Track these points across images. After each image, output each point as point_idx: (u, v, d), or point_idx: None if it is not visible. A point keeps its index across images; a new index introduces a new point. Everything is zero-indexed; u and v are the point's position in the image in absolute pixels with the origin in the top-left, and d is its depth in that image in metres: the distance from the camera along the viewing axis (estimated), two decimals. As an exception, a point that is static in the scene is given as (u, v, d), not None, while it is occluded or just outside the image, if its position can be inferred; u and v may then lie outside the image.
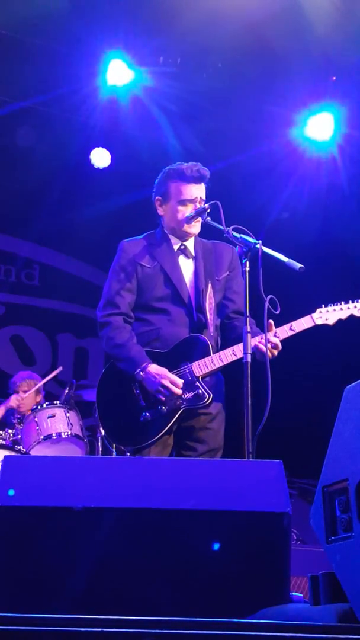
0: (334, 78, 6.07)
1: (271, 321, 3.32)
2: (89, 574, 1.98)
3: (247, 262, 3.28)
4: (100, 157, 6.83)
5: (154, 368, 3.39)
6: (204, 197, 3.59)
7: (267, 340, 3.27)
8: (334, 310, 3.44)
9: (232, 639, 1.36)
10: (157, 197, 3.65)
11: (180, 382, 3.37)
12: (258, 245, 3.28)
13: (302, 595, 2.31)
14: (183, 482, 2.12)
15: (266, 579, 2.01)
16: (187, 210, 3.56)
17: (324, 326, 3.46)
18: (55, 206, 7.07)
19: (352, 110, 6.35)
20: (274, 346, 3.33)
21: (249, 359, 3.19)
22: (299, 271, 3.28)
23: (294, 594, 2.15)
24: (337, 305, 3.46)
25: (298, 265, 3.29)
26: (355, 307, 3.46)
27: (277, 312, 3.25)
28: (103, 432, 3.93)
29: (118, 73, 6.07)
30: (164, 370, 3.38)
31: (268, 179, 6.83)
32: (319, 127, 6.50)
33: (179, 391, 3.36)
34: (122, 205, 6.80)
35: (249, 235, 3.34)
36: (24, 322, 7.56)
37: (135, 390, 3.42)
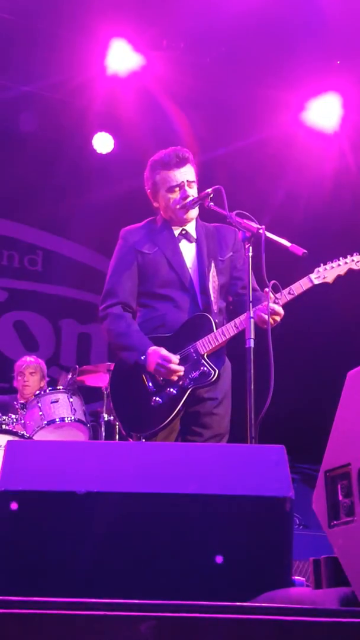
0: (339, 62, 6.03)
1: (267, 289, 3.27)
2: (91, 557, 1.99)
3: (250, 248, 3.27)
4: (104, 142, 6.80)
5: (151, 350, 3.39)
6: (191, 178, 3.57)
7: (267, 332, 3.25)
8: (332, 267, 3.39)
9: (234, 622, 1.36)
10: (148, 191, 3.66)
11: (174, 358, 3.37)
12: (261, 231, 3.27)
13: (304, 579, 2.31)
14: (185, 467, 2.12)
15: (268, 563, 2.02)
16: (176, 197, 3.54)
17: (323, 285, 3.40)
18: (58, 191, 7.05)
19: (357, 94, 6.31)
20: (275, 312, 3.30)
21: (252, 345, 3.18)
22: (302, 256, 3.27)
23: (296, 578, 2.16)
24: (334, 262, 3.40)
25: (301, 250, 3.28)
26: (352, 260, 3.40)
27: (280, 296, 3.24)
28: (118, 424, 3.96)
29: (121, 57, 6.04)
30: (157, 349, 3.38)
31: (272, 164, 6.79)
32: (324, 111, 6.46)
33: (176, 367, 3.35)
34: (125, 190, 6.78)
35: (252, 221, 3.33)
36: (27, 308, 7.56)
37: (145, 377, 3.43)
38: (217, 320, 3.45)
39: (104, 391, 5.40)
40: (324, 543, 1.92)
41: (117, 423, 3.73)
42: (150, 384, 3.42)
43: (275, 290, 3.22)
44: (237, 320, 3.36)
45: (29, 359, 5.84)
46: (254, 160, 6.73)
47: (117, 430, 5.11)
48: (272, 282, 3.18)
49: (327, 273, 3.38)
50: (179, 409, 3.38)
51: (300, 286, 3.36)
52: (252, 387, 3.09)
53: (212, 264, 3.53)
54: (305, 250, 3.27)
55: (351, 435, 1.76)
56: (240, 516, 2.03)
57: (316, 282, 3.37)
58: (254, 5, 5.45)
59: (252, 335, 3.19)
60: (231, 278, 3.62)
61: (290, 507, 2.03)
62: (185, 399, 3.38)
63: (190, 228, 3.65)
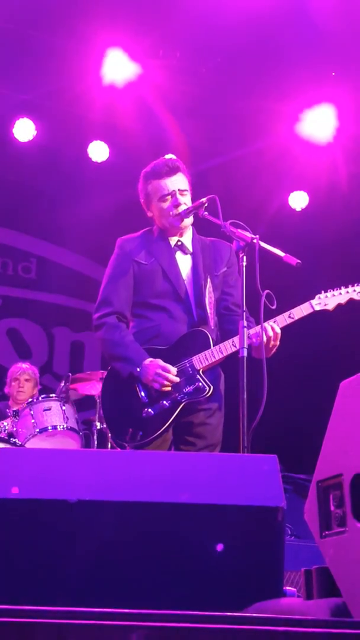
0: (334, 74, 6.06)
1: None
2: (82, 566, 1.98)
3: (245, 257, 3.28)
4: (99, 151, 6.82)
5: (147, 361, 3.39)
6: (183, 187, 3.58)
7: (265, 333, 3.26)
8: (333, 295, 3.42)
9: (225, 632, 1.36)
10: (142, 201, 3.67)
11: (173, 369, 3.37)
12: (255, 240, 3.28)
13: (295, 590, 2.31)
14: (178, 476, 2.12)
15: (260, 573, 2.02)
16: (168, 204, 3.55)
17: (323, 312, 3.43)
18: (53, 199, 7.06)
19: (352, 105, 6.34)
20: (274, 337, 3.31)
21: (245, 354, 3.19)
22: (296, 266, 3.28)
23: (287, 588, 2.15)
24: (336, 290, 3.43)
25: (295, 260, 3.29)
26: (354, 290, 3.43)
27: (274, 307, 3.25)
28: (109, 434, 3.95)
29: (117, 66, 6.06)
30: (155, 361, 3.39)
31: (267, 174, 6.82)
32: (319, 122, 6.48)
33: (174, 378, 3.36)
34: (120, 198, 6.79)
35: (246, 230, 3.34)
36: (20, 315, 7.55)
37: (138, 388, 3.43)
38: (213, 337, 3.46)
39: (96, 399, 5.39)
40: (315, 554, 1.92)
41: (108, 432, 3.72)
42: (143, 395, 3.42)
43: (269, 300, 3.22)
44: (235, 338, 3.37)
45: (24, 365, 5.84)
46: (248, 170, 6.76)
47: (110, 438, 5.10)
48: (266, 291, 3.19)
49: (328, 300, 3.41)
50: (170, 422, 3.38)
51: (301, 311, 3.39)
52: (245, 397, 3.10)
53: (209, 280, 3.55)
54: (299, 261, 3.29)
55: (344, 445, 1.76)
56: (232, 526, 2.03)
57: (317, 308, 3.40)
58: (249, 15, 5.48)
59: (245, 345, 3.20)
60: (222, 293, 3.62)
61: (282, 517, 2.03)
62: (178, 412, 3.38)
63: (187, 240, 3.65)
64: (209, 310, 3.50)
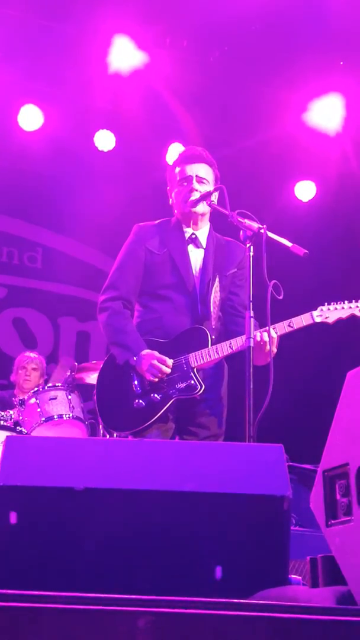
0: (342, 63, 6.03)
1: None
2: (89, 553, 1.99)
3: (252, 247, 3.27)
4: (105, 140, 6.80)
5: (144, 352, 3.40)
6: (203, 175, 3.58)
7: (260, 336, 3.25)
8: (335, 309, 3.40)
9: (230, 619, 1.37)
10: (168, 187, 3.71)
11: (169, 361, 3.38)
12: (262, 230, 3.27)
13: (300, 578, 2.32)
14: (184, 465, 2.12)
15: (265, 561, 2.02)
16: (185, 189, 3.56)
17: (323, 324, 3.43)
18: (59, 189, 7.04)
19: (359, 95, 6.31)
20: (270, 341, 3.29)
21: (252, 344, 3.19)
22: (304, 257, 3.27)
23: (292, 576, 2.16)
24: (338, 304, 3.41)
25: (303, 250, 3.28)
26: (357, 307, 3.41)
27: (280, 297, 3.24)
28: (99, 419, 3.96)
29: (124, 55, 6.03)
30: (152, 352, 3.39)
31: (275, 165, 6.79)
32: (328, 112, 6.45)
33: (167, 370, 3.36)
34: (126, 188, 6.78)
35: (253, 220, 3.33)
36: (26, 305, 7.55)
37: (132, 377, 3.43)
38: (213, 337, 3.46)
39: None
40: (320, 543, 1.93)
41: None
42: (137, 386, 3.43)
43: (276, 290, 3.22)
44: (232, 341, 3.37)
45: (32, 354, 5.86)
46: (256, 160, 6.73)
47: (105, 428, 5.11)
48: (273, 282, 3.18)
49: (329, 313, 3.39)
50: (159, 415, 3.38)
51: (301, 321, 3.37)
52: (251, 386, 3.10)
53: (217, 279, 3.54)
54: (306, 251, 3.28)
55: (350, 435, 1.77)
56: (238, 514, 2.04)
57: (317, 320, 3.38)
58: (257, 4, 5.45)
59: (252, 335, 3.19)
60: (229, 293, 3.62)
61: (287, 506, 2.04)
62: (167, 407, 3.38)
63: (201, 234, 3.64)
64: (212, 308, 3.50)
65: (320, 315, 3.39)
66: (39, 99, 6.49)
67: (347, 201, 6.76)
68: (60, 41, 5.90)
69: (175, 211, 3.68)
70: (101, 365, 3.66)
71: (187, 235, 3.62)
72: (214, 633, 1.32)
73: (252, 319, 3.22)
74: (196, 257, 3.61)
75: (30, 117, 6.56)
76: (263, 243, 3.23)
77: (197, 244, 3.63)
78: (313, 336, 6.46)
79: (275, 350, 3.32)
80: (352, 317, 3.43)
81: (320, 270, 6.02)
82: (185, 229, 3.63)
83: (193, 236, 3.63)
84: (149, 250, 3.57)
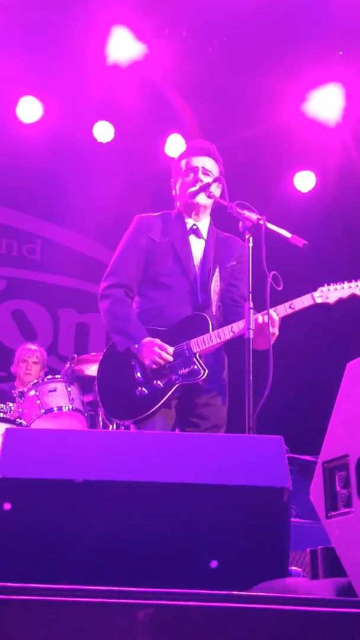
0: (341, 53, 6.00)
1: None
2: (89, 546, 1.99)
3: (251, 238, 3.27)
4: (104, 131, 6.77)
5: (146, 340, 3.40)
6: (208, 167, 3.60)
7: (269, 323, 3.25)
8: (336, 289, 3.41)
9: (231, 611, 1.37)
10: (172, 179, 3.73)
11: (170, 348, 3.38)
12: (261, 221, 3.27)
13: (300, 570, 2.32)
14: (183, 456, 2.12)
15: (266, 553, 2.02)
16: (189, 180, 3.57)
17: (324, 305, 3.43)
18: (58, 180, 7.03)
19: (359, 85, 6.28)
20: (272, 323, 3.30)
21: (251, 335, 3.19)
22: (303, 247, 3.27)
23: (292, 568, 2.16)
24: (338, 284, 3.42)
25: (302, 241, 3.28)
26: (357, 286, 3.42)
27: (280, 288, 3.24)
28: (100, 409, 3.94)
29: (122, 46, 6.00)
30: (153, 340, 3.40)
31: (274, 155, 6.77)
32: (327, 102, 6.42)
33: (168, 357, 3.36)
34: (125, 179, 6.76)
35: (252, 211, 3.33)
36: (25, 297, 7.54)
37: (134, 365, 3.43)
38: (214, 322, 3.46)
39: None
40: (321, 534, 1.93)
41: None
42: (139, 374, 3.42)
43: (276, 281, 3.21)
44: (234, 325, 3.37)
45: (33, 347, 5.84)
46: (255, 151, 6.71)
47: (110, 417, 5.10)
48: (272, 272, 3.18)
49: (330, 294, 3.39)
50: (163, 402, 3.38)
51: (302, 302, 3.38)
52: (251, 378, 3.10)
53: (217, 269, 3.56)
54: (305, 242, 3.28)
55: (350, 426, 1.77)
56: (238, 506, 2.04)
57: (318, 300, 3.39)
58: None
59: (251, 326, 3.19)
60: (228, 284, 3.63)
61: (287, 498, 2.03)
62: (171, 393, 3.38)
63: (202, 226, 3.67)
64: (213, 296, 3.51)
65: (321, 296, 3.39)
66: (38, 91, 6.47)
67: (347, 192, 6.74)
68: (58, 32, 5.87)
69: (178, 203, 3.70)
70: (102, 354, 3.66)
71: (188, 226, 3.65)
72: (213, 625, 1.32)
73: (251, 310, 3.21)
74: (197, 246, 3.63)
75: (29, 109, 6.54)
76: (262, 234, 3.23)
77: (199, 235, 3.65)
78: (313, 327, 6.47)
79: (277, 332, 3.32)
80: (353, 298, 3.42)
81: (319, 260, 6.01)
82: (187, 220, 3.65)
83: (194, 227, 3.65)
84: (151, 239, 3.59)
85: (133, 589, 1.35)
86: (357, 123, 6.56)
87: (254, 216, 3.30)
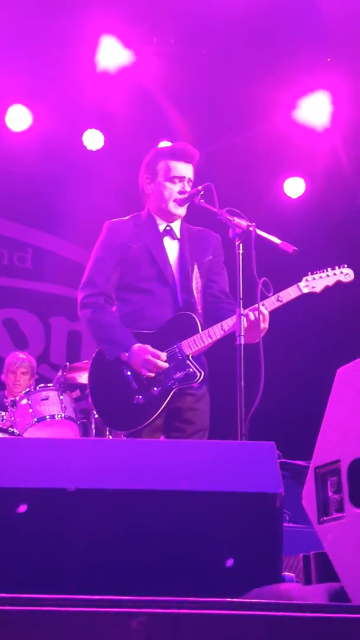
0: (329, 59, 6.04)
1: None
2: (82, 554, 1.99)
3: (241, 245, 3.28)
4: (94, 139, 6.79)
5: (136, 347, 3.37)
6: (192, 179, 3.58)
7: (247, 318, 3.25)
8: (321, 277, 3.41)
9: (224, 618, 1.37)
10: (145, 176, 3.64)
11: (162, 354, 3.36)
12: (251, 228, 3.28)
13: (293, 575, 2.32)
14: (176, 464, 2.12)
15: (259, 559, 2.03)
16: (175, 189, 3.55)
17: (311, 294, 3.43)
18: (48, 188, 7.03)
19: (347, 91, 6.31)
20: (263, 319, 3.30)
21: (242, 341, 3.19)
22: (293, 254, 3.28)
23: (286, 573, 2.16)
24: (323, 272, 3.42)
25: (292, 247, 3.29)
26: (341, 272, 3.43)
27: (271, 294, 3.25)
28: (97, 415, 3.90)
29: (111, 54, 6.02)
30: (144, 346, 3.37)
31: (263, 162, 6.80)
32: (315, 109, 6.45)
33: (163, 364, 3.34)
34: (115, 187, 6.77)
35: (242, 218, 3.34)
36: (16, 305, 7.53)
37: (127, 373, 3.41)
38: (201, 321, 3.45)
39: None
40: (314, 539, 1.93)
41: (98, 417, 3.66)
42: (133, 382, 3.39)
43: (266, 288, 3.22)
44: (223, 323, 3.36)
45: (21, 355, 5.83)
46: (244, 157, 6.73)
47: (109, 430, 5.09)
48: (263, 279, 3.19)
49: (315, 283, 3.39)
50: (162, 408, 3.36)
51: (289, 294, 3.38)
52: (243, 384, 3.10)
53: (195, 266, 3.55)
54: (295, 248, 3.29)
55: (341, 431, 1.77)
56: (231, 512, 2.04)
57: (305, 290, 3.39)
58: (244, 1, 5.45)
59: (242, 332, 3.20)
60: (207, 280, 3.62)
61: (280, 503, 2.04)
62: (170, 399, 3.37)
63: (175, 226, 3.66)
64: (196, 295, 3.50)
65: (307, 286, 3.39)
66: (27, 99, 6.47)
67: (336, 197, 6.77)
68: (47, 41, 5.88)
69: (148, 202, 3.63)
70: (90, 368, 3.60)
71: (161, 228, 3.61)
72: (207, 632, 1.32)
73: (242, 317, 3.22)
74: (172, 248, 3.60)
75: (18, 118, 6.54)
76: (252, 241, 3.24)
77: (173, 236, 3.63)
78: (304, 332, 6.48)
79: (267, 326, 3.31)
80: (338, 284, 3.42)
81: (309, 266, 6.02)
82: (159, 222, 3.61)
83: (168, 228, 3.62)
84: (124, 244, 3.56)
85: (126, 597, 1.35)
86: (345, 128, 6.59)
87: (243, 223, 3.31)
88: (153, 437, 3.40)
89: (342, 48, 5.91)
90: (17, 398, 4.98)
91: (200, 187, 3.50)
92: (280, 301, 3.35)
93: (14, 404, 4.94)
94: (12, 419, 4.88)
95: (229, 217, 3.33)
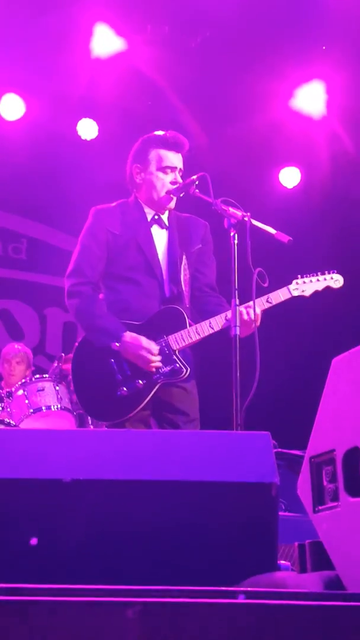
0: (324, 47, 6.01)
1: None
2: (78, 545, 1.99)
3: (236, 235, 3.27)
4: (88, 129, 6.76)
5: (128, 337, 3.34)
6: (182, 169, 3.56)
7: (240, 316, 3.25)
8: (311, 281, 3.43)
9: (219, 607, 1.37)
10: (134, 165, 3.60)
11: (155, 348, 3.34)
12: (246, 218, 3.27)
13: (289, 563, 2.33)
14: (171, 454, 2.13)
15: (254, 548, 2.03)
16: (167, 179, 3.52)
17: (300, 297, 3.45)
18: (42, 178, 7.00)
19: (341, 81, 6.30)
20: (256, 318, 3.30)
21: (238, 332, 3.19)
22: (288, 244, 3.28)
23: (281, 562, 2.18)
24: (313, 276, 3.44)
25: (287, 237, 3.29)
26: (332, 278, 3.46)
27: (266, 285, 3.25)
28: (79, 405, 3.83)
29: (105, 42, 5.99)
30: (139, 339, 3.34)
31: (258, 152, 6.78)
32: (311, 98, 6.43)
33: (156, 359, 3.33)
34: (109, 177, 6.74)
35: (237, 208, 3.33)
36: (11, 296, 7.52)
37: (112, 363, 3.37)
38: (188, 314, 3.44)
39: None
40: (310, 527, 1.94)
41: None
42: (118, 373, 3.36)
43: (261, 278, 3.22)
44: (212, 321, 3.36)
45: (16, 346, 5.82)
46: (239, 147, 6.71)
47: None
48: (258, 269, 3.19)
49: (305, 287, 3.43)
50: (147, 402, 3.34)
51: (279, 296, 3.40)
52: (238, 375, 3.11)
53: (184, 256, 3.52)
54: (290, 238, 3.29)
55: (336, 421, 1.78)
56: (227, 502, 2.05)
57: (295, 293, 3.42)
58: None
59: (238, 323, 3.20)
60: (195, 270, 3.59)
61: (275, 493, 2.04)
62: (154, 393, 3.35)
63: (164, 214, 3.61)
64: (184, 287, 3.47)
65: (297, 289, 3.41)
66: (20, 88, 6.44)
67: (331, 187, 6.76)
68: (41, 30, 5.84)
69: (138, 191, 3.59)
70: (73, 356, 3.54)
71: (149, 217, 3.57)
72: (203, 621, 1.32)
73: (238, 308, 3.22)
74: (161, 237, 3.56)
75: (11, 107, 6.51)
76: (247, 231, 3.23)
77: (162, 225, 3.58)
78: (299, 322, 6.49)
79: (258, 325, 3.32)
80: (327, 289, 3.44)
81: (304, 256, 6.02)
82: (147, 210, 3.57)
83: (156, 217, 3.58)
84: (111, 233, 3.51)
85: (121, 586, 1.35)
86: (340, 118, 6.58)
87: (238, 213, 3.30)
88: (137, 429, 3.38)
89: (337, 37, 5.89)
90: (13, 389, 4.98)
91: (195, 177, 3.47)
92: (270, 303, 3.38)
93: (9, 395, 4.94)
94: (8, 410, 4.88)
95: (223, 207, 3.31)
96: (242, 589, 1.61)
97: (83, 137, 6.76)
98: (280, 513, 2.27)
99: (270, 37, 5.89)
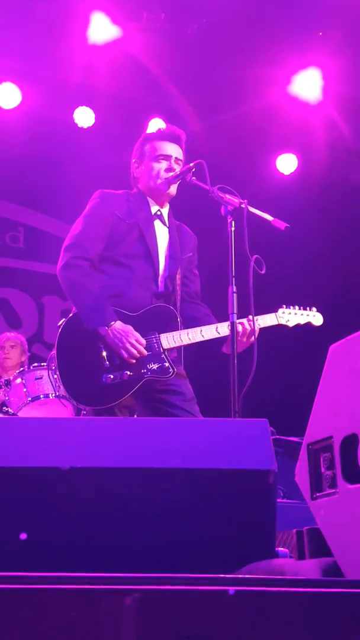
0: (320, 33, 5.98)
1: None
2: (76, 532, 1.99)
3: (233, 222, 3.26)
4: (85, 117, 6.73)
5: (119, 324, 3.31)
6: (180, 158, 3.56)
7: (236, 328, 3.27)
8: (295, 314, 3.61)
9: (218, 594, 1.38)
10: (134, 160, 3.63)
11: (143, 341, 3.33)
12: (243, 205, 3.27)
13: (287, 550, 2.34)
14: (169, 442, 2.13)
15: (252, 535, 2.04)
16: (161, 166, 3.52)
17: (284, 327, 3.61)
18: (39, 167, 6.98)
19: (339, 66, 6.27)
20: (251, 332, 3.33)
21: (235, 319, 3.19)
22: (285, 230, 3.27)
23: (279, 549, 2.18)
24: (298, 309, 3.62)
25: (284, 224, 3.28)
26: (314, 315, 3.67)
27: (263, 272, 3.24)
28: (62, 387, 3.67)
29: (101, 29, 5.96)
30: (128, 328, 3.31)
31: (255, 139, 6.76)
32: (307, 84, 6.41)
33: (144, 351, 3.31)
34: (106, 165, 6.72)
35: (234, 195, 3.32)
36: (9, 285, 7.51)
37: (100, 348, 3.31)
38: (180, 319, 3.45)
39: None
40: (308, 514, 1.95)
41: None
42: (106, 359, 3.31)
43: (259, 265, 3.21)
44: (204, 330, 3.38)
45: (9, 333, 5.86)
46: (236, 134, 6.69)
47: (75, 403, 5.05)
48: (255, 256, 3.18)
49: (289, 317, 3.60)
50: (130, 394, 3.30)
51: (266, 320, 3.51)
52: (235, 361, 3.11)
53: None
54: (287, 224, 3.28)
55: (333, 408, 1.78)
56: (224, 489, 2.05)
57: (280, 321, 3.57)
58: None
59: (235, 310, 3.20)
60: (184, 277, 3.60)
61: (273, 480, 2.05)
62: (139, 387, 3.32)
63: (165, 212, 3.63)
64: (178, 290, 3.50)
65: (282, 317, 3.57)
66: (17, 77, 6.40)
67: (328, 174, 6.74)
68: (37, 18, 5.81)
69: (139, 185, 3.61)
70: (59, 333, 3.39)
71: (153, 211, 3.58)
72: (201, 608, 1.33)
73: (234, 294, 3.22)
74: (162, 233, 3.58)
75: (7, 95, 6.48)
76: (244, 218, 3.23)
77: (163, 221, 3.60)
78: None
79: (252, 340, 3.36)
80: (309, 324, 3.66)
81: (301, 243, 6.02)
82: (151, 203, 3.58)
83: (159, 213, 3.60)
84: (117, 216, 3.49)
85: (120, 574, 1.35)
86: (337, 104, 6.56)
87: (235, 200, 3.29)
88: (121, 415, 3.35)
89: (333, 24, 5.85)
90: (11, 377, 4.99)
91: (191, 165, 3.47)
92: (259, 325, 3.43)
93: (8, 383, 4.95)
94: (7, 398, 4.89)
95: (220, 195, 3.31)
96: (240, 576, 1.62)
97: (80, 125, 6.74)
98: (278, 500, 2.28)
99: (267, 24, 5.85)
